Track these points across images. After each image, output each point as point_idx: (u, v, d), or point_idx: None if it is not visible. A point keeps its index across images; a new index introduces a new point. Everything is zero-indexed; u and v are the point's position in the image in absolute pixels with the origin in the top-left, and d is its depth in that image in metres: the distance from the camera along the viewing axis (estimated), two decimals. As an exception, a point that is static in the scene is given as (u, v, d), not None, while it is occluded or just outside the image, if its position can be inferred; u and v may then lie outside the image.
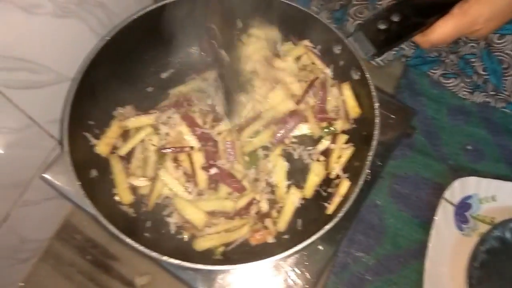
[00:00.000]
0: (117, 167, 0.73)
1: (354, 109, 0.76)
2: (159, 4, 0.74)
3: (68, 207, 0.94)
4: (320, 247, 0.70)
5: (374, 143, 0.60)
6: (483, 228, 0.81)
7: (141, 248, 0.59)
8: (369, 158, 0.60)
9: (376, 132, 0.60)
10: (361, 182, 0.60)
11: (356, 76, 0.73)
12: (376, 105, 0.66)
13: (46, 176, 0.77)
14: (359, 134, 0.75)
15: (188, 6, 0.74)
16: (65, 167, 0.76)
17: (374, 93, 0.65)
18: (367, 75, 0.66)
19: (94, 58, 0.70)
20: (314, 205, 0.73)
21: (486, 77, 0.94)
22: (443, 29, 0.63)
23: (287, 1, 0.74)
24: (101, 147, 0.73)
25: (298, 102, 0.77)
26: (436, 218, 0.81)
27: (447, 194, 0.83)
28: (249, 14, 0.78)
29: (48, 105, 0.75)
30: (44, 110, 0.75)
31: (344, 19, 0.97)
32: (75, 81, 0.68)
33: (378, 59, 0.98)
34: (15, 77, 0.66)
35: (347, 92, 0.77)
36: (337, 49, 0.74)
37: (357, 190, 0.62)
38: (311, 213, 0.72)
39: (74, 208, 0.94)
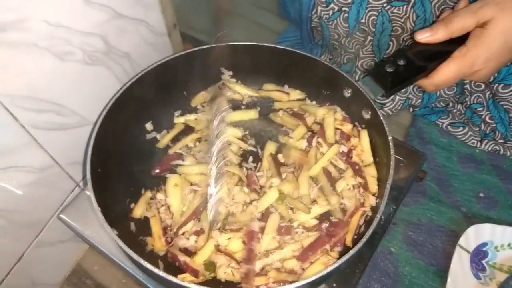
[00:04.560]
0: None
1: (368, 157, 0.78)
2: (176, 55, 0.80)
3: (80, 251, 0.94)
4: (336, 291, 0.69)
5: (391, 172, 0.61)
6: (501, 276, 0.79)
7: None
8: (388, 186, 0.61)
9: (392, 163, 0.61)
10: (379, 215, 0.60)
11: (367, 115, 0.75)
12: (390, 138, 0.67)
13: (63, 216, 0.78)
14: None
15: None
16: (83, 208, 0.79)
17: (386, 128, 0.67)
18: (378, 112, 0.69)
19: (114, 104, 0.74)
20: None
21: (494, 125, 0.96)
22: (445, 71, 0.67)
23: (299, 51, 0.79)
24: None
25: None
26: (452, 266, 0.79)
27: (462, 241, 0.82)
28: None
29: (70, 147, 0.78)
30: (66, 152, 0.78)
31: (353, 71, 1.02)
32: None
33: (386, 109, 1.01)
34: (43, 118, 0.69)
35: (365, 138, 0.78)
36: (347, 93, 0.78)
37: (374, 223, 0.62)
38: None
39: (86, 252, 0.94)
